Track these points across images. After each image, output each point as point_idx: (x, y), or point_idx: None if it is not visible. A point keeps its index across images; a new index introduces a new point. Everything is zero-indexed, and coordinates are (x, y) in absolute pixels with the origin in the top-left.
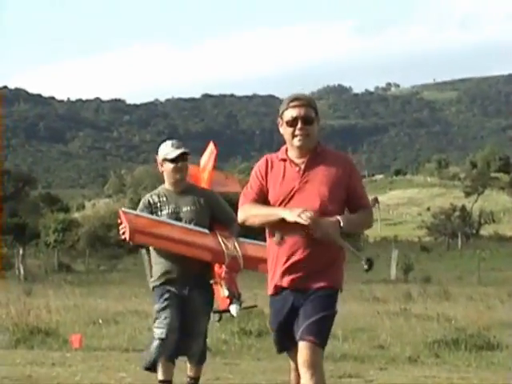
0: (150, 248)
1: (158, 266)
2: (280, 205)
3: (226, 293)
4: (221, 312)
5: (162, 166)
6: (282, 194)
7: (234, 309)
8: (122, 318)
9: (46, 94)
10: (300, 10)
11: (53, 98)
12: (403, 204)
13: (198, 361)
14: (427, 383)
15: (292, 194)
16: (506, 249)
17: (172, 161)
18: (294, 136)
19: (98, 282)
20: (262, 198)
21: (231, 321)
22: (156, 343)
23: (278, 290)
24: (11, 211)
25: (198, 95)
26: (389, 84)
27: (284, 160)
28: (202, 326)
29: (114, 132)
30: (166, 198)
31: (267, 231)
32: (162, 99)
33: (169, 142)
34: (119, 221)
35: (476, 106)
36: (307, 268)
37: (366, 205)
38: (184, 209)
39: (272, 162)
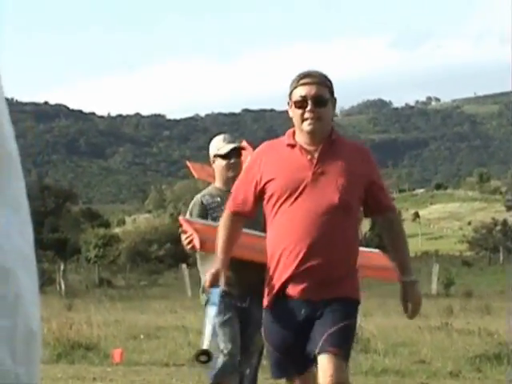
0: (200, 260)
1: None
2: (287, 199)
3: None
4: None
5: (213, 162)
6: (290, 186)
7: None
8: (163, 333)
9: (86, 109)
10: (337, 25)
11: (93, 114)
12: (444, 218)
13: (254, 377)
14: None
15: (303, 186)
16: None
17: (224, 157)
18: (303, 119)
19: (139, 296)
20: (253, 199)
21: None
22: (223, 359)
23: (283, 300)
24: (52, 227)
25: (237, 110)
26: (429, 98)
27: (292, 146)
28: (260, 341)
29: (154, 147)
30: (221, 199)
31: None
32: (202, 114)
33: (221, 137)
34: (181, 230)
35: None
36: (323, 275)
37: (390, 206)
38: None
39: (275, 148)
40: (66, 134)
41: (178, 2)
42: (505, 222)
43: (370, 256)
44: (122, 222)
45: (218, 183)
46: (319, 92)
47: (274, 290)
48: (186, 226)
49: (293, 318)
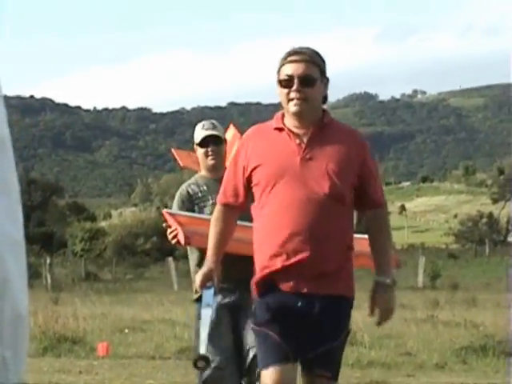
0: (191, 254)
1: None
2: (274, 187)
3: None
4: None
5: (195, 151)
6: (277, 171)
7: None
8: (149, 326)
9: (72, 103)
10: (323, 18)
11: (79, 108)
12: (430, 211)
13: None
14: None
15: (291, 172)
16: None
17: (201, 145)
18: (288, 99)
19: (125, 290)
20: (243, 188)
21: None
22: (210, 372)
23: (275, 291)
24: (38, 220)
25: (223, 103)
26: (415, 91)
27: (280, 129)
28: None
29: (140, 141)
30: (208, 187)
31: (254, 214)
32: (188, 107)
33: (200, 124)
34: (165, 224)
35: (503, 113)
36: (315, 269)
37: (382, 202)
38: None
39: (262, 133)
40: (52, 127)
41: None
42: (490, 215)
43: (365, 243)
44: (108, 216)
45: (203, 171)
46: (307, 71)
47: (264, 281)
48: (169, 220)
49: (287, 310)
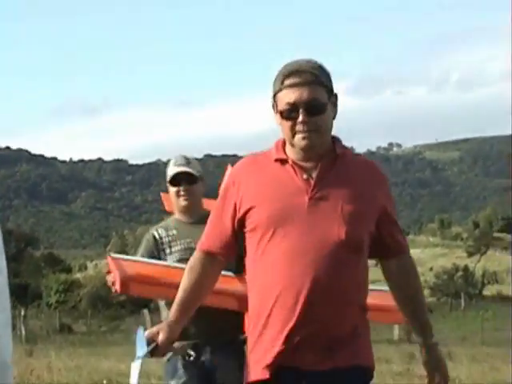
0: (161, 306)
1: None
2: (276, 233)
3: None
4: None
5: (166, 191)
6: (279, 214)
7: None
8: (125, 379)
9: (48, 154)
10: None
11: (55, 159)
12: None
13: None
14: None
15: (298, 216)
16: (509, 309)
17: (171, 183)
18: (294, 132)
19: (100, 342)
20: (231, 234)
21: None
22: None
23: (276, 371)
24: (13, 272)
25: (200, 155)
26: (390, 144)
27: (282, 161)
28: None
29: (116, 192)
30: (177, 231)
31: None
32: (164, 159)
33: (173, 159)
34: (107, 270)
35: (478, 166)
36: (330, 335)
37: (406, 248)
38: None
39: (259, 165)
40: (28, 178)
41: (137, 48)
42: (466, 268)
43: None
44: (83, 267)
45: (176, 214)
46: (313, 95)
47: (268, 361)
48: (111, 264)
49: None
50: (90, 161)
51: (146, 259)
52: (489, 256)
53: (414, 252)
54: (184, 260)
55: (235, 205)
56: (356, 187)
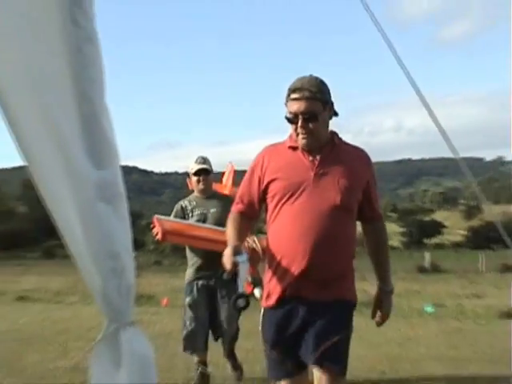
0: (186, 250)
1: (191, 267)
2: (289, 199)
3: (250, 279)
4: (246, 296)
5: (190, 178)
6: (292, 186)
7: (257, 292)
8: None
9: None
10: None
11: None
12: None
13: (230, 341)
14: None
15: (305, 186)
16: None
17: (194, 174)
18: (297, 133)
19: None
20: (257, 199)
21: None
22: (185, 333)
23: (284, 299)
24: None
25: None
26: None
27: (293, 148)
28: (232, 310)
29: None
30: (196, 203)
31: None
32: None
33: (194, 158)
34: (152, 225)
35: None
36: (323, 275)
37: (381, 215)
38: (211, 210)
39: (277, 150)
40: (137, 183)
41: None
42: None
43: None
44: None
45: (195, 192)
46: (309, 108)
47: (278, 291)
48: (155, 223)
49: (291, 318)
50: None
51: (177, 219)
52: None
53: None
54: (200, 220)
55: (259, 179)
56: (348, 167)
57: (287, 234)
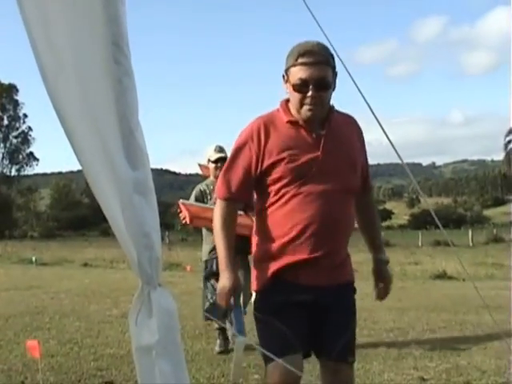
0: (203, 230)
1: (207, 244)
2: (297, 181)
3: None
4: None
5: (208, 163)
6: (300, 168)
7: None
8: None
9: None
10: None
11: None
12: None
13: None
14: None
15: (313, 167)
16: None
17: (213, 162)
18: (302, 104)
19: None
20: (249, 181)
21: None
22: (207, 306)
23: (288, 283)
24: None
25: None
26: None
27: (293, 122)
28: (246, 280)
29: None
30: (213, 187)
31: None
32: None
33: (213, 146)
34: (178, 210)
35: None
36: (331, 260)
37: (372, 187)
38: None
39: (275, 125)
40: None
41: None
42: None
43: None
44: None
45: (212, 178)
46: (322, 74)
47: (280, 273)
48: (181, 207)
49: (302, 303)
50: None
51: (199, 203)
52: None
53: None
54: None
55: (257, 158)
56: (350, 142)
57: (296, 220)
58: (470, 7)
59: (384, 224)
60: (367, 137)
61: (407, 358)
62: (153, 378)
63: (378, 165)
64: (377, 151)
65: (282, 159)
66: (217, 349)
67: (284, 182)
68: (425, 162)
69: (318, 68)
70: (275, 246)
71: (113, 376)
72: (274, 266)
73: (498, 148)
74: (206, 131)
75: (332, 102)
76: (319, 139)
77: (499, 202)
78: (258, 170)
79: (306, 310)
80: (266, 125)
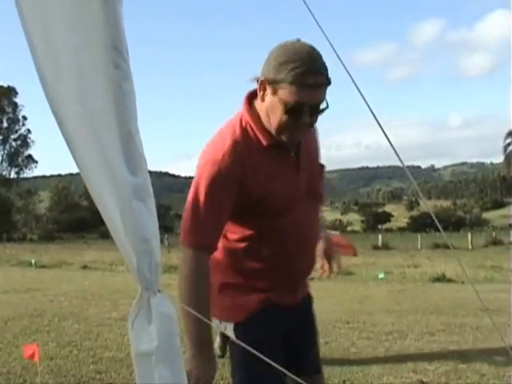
0: None
1: None
2: (285, 212)
3: None
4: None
5: None
6: (288, 198)
7: None
8: None
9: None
10: None
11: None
12: None
13: None
14: None
15: (298, 188)
16: None
17: None
18: (289, 127)
19: None
20: (224, 224)
21: None
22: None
23: (271, 308)
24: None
25: None
26: None
27: (273, 146)
28: None
29: None
30: None
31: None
32: None
33: None
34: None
35: None
36: (305, 277)
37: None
38: None
39: (251, 152)
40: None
41: None
42: None
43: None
44: None
45: None
46: (323, 97)
47: (263, 298)
48: None
49: (283, 327)
50: (192, 177)
51: None
52: None
53: None
54: None
55: (242, 191)
56: (313, 152)
57: (283, 250)
58: (467, 10)
59: (383, 226)
60: (366, 139)
61: (406, 361)
62: (152, 382)
63: (378, 167)
64: (376, 154)
65: (269, 193)
66: (215, 352)
67: (269, 215)
68: (424, 164)
69: (319, 91)
70: (258, 275)
71: (112, 379)
72: (257, 295)
73: (497, 150)
74: (205, 136)
75: (331, 106)
76: (297, 157)
77: (498, 205)
78: (244, 205)
79: (283, 329)
80: (244, 154)
